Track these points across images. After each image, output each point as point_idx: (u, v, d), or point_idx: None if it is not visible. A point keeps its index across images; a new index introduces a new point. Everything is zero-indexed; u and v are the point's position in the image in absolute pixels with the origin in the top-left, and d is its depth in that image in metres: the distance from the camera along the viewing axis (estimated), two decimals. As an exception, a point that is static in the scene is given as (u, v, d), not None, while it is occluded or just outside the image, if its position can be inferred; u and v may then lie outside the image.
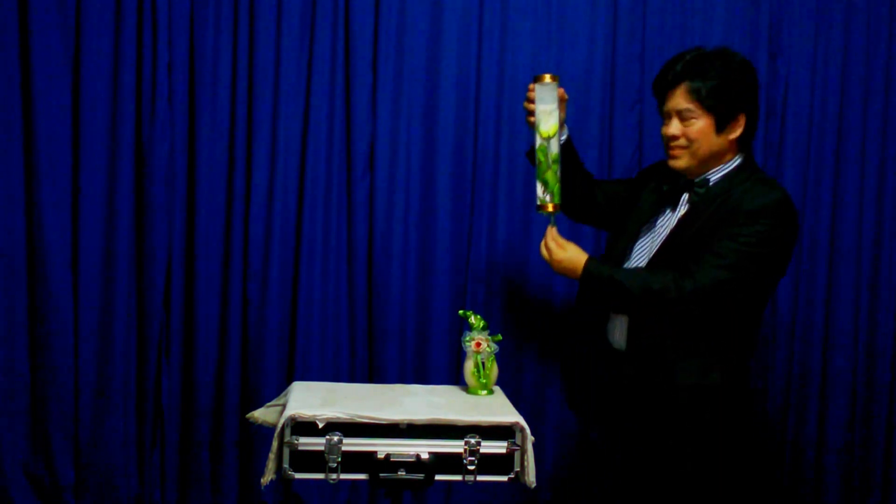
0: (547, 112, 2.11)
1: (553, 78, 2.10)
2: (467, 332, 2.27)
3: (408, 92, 2.81)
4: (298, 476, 1.93)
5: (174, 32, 2.70)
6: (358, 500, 2.87)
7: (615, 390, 2.15)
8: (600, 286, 2.07)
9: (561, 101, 2.14)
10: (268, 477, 1.93)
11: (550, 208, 2.12)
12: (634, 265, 2.13)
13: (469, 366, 2.25)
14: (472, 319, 2.27)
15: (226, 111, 2.75)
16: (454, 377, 2.79)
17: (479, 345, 2.24)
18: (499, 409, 2.09)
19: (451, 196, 2.85)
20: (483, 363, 2.24)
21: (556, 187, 2.11)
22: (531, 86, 2.14)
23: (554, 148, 2.12)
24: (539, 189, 2.13)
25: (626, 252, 2.16)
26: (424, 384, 2.46)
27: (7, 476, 2.68)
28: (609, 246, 2.31)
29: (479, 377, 2.24)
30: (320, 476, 1.93)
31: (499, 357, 2.27)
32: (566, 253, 2.10)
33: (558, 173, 2.12)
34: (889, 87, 2.94)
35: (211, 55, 2.73)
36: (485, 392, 2.24)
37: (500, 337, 2.27)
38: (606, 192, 2.36)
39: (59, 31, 2.64)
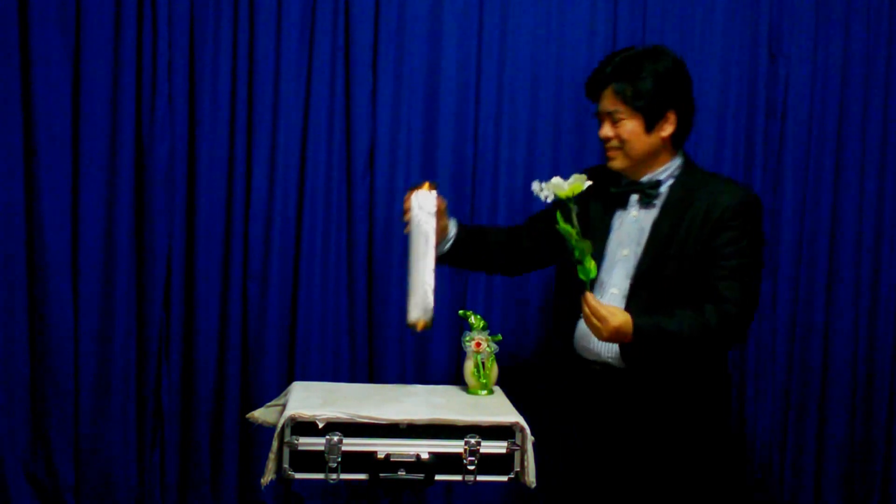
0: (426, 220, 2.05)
1: (432, 186, 2.07)
2: (467, 332, 2.27)
3: (408, 92, 2.81)
4: (298, 476, 1.93)
5: (174, 32, 2.70)
6: (358, 500, 2.87)
7: (603, 400, 2.12)
8: (653, 342, 1.97)
9: (438, 210, 2.10)
10: (268, 477, 1.93)
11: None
12: (609, 279, 2.09)
13: (469, 366, 2.25)
14: (472, 319, 2.27)
15: (226, 111, 2.75)
16: (454, 377, 2.79)
17: (479, 345, 2.24)
18: (499, 409, 2.09)
19: (451, 196, 2.84)
20: (483, 363, 2.24)
21: (588, 263, 1.94)
22: (409, 195, 2.09)
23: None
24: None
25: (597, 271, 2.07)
26: (424, 384, 2.46)
27: (7, 476, 2.68)
28: (565, 270, 2.20)
29: (479, 377, 2.24)
30: (320, 476, 1.92)
31: (499, 357, 2.27)
32: (617, 318, 1.93)
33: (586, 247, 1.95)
34: (889, 87, 2.94)
35: (211, 55, 2.73)
36: (485, 392, 2.24)
37: (499, 337, 2.26)
38: (532, 235, 2.30)
39: (59, 31, 2.64)
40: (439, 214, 2.12)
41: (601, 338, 1.96)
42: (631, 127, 2.06)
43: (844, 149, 2.94)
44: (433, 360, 2.85)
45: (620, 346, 2.04)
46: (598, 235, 2.09)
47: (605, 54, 2.81)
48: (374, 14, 2.78)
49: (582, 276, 1.93)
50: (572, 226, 1.90)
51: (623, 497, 2.11)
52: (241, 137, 2.76)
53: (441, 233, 2.17)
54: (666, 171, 2.11)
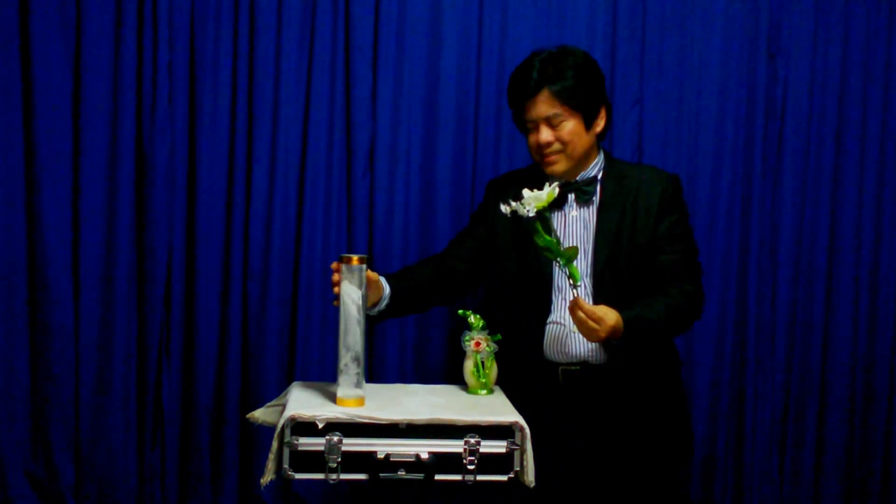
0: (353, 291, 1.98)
1: (361, 260, 2.00)
2: (467, 332, 2.27)
3: (408, 92, 2.81)
4: (298, 476, 1.93)
5: (174, 32, 2.70)
6: (358, 501, 2.87)
7: (581, 400, 2.15)
8: (639, 332, 2.01)
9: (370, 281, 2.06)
10: (268, 477, 1.93)
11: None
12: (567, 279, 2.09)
13: (469, 365, 2.25)
14: (472, 319, 2.27)
15: (226, 111, 2.75)
16: (454, 377, 2.78)
17: (478, 344, 2.24)
18: (498, 408, 2.09)
19: (451, 196, 2.85)
20: (483, 363, 2.24)
21: (573, 270, 1.96)
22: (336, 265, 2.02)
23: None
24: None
25: (544, 267, 2.11)
26: (424, 384, 2.46)
27: (7, 476, 2.68)
28: (510, 278, 2.21)
29: (479, 377, 2.24)
30: (320, 476, 1.92)
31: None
32: (611, 317, 1.94)
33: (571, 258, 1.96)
34: (889, 87, 2.94)
35: (211, 55, 2.73)
36: (484, 392, 2.24)
37: (499, 337, 2.26)
38: (465, 257, 2.29)
39: (59, 31, 2.64)
40: (371, 286, 2.06)
41: (596, 339, 1.97)
42: (571, 127, 2.09)
43: (844, 148, 2.94)
44: (433, 360, 2.85)
45: (603, 344, 2.07)
46: (523, 240, 2.10)
47: (604, 54, 2.85)
48: (374, 14, 2.78)
49: (571, 282, 1.95)
50: (552, 235, 1.93)
51: (608, 491, 2.15)
52: (241, 137, 2.76)
53: (374, 298, 2.13)
54: (596, 167, 2.17)
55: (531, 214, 1.93)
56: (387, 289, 2.17)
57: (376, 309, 2.15)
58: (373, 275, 2.08)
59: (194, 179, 2.75)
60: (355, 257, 2.02)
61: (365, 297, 2.04)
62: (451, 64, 2.82)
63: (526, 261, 2.17)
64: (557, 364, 2.16)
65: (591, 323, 1.94)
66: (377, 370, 2.82)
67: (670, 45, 2.86)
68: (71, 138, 2.68)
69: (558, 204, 2.15)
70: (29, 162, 2.66)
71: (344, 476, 1.93)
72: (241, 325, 2.79)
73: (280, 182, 2.77)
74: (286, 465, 1.92)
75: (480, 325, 2.26)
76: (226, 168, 2.76)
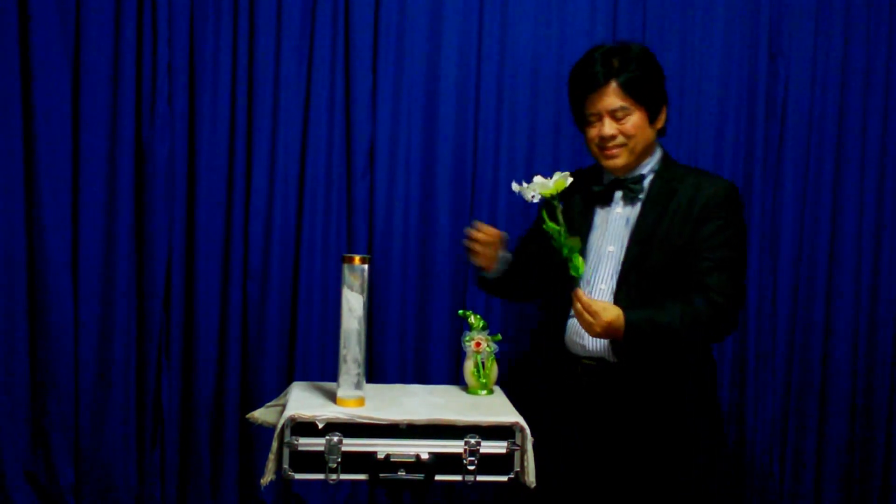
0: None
1: (363, 260, 2.02)
2: (467, 332, 2.27)
3: (408, 92, 2.81)
4: (298, 476, 1.93)
5: (174, 32, 2.70)
6: (358, 501, 2.87)
7: (597, 395, 2.12)
8: (646, 336, 1.97)
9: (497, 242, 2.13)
10: (268, 477, 1.93)
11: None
12: (596, 276, 2.10)
13: (469, 366, 2.25)
14: (472, 319, 2.27)
15: (226, 111, 2.75)
16: (454, 377, 2.79)
17: (479, 345, 2.24)
18: (499, 409, 2.09)
19: (451, 196, 2.85)
20: (483, 363, 2.24)
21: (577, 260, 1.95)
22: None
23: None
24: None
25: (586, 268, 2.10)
26: (424, 384, 2.46)
27: (7, 476, 2.68)
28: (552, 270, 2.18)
29: (479, 377, 2.24)
30: (320, 476, 1.92)
31: (499, 357, 2.27)
32: (609, 313, 1.93)
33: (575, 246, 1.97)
34: (889, 86, 2.94)
35: (211, 55, 2.73)
36: (485, 392, 2.24)
37: (499, 337, 2.27)
38: (525, 260, 2.30)
39: (59, 31, 2.64)
40: (496, 246, 2.16)
41: (594, 334, 1.97)
42: (636, 120, 2.06)
43: (844, 149, 2.94)
44: (433, 360, 2.85)
45: (612, 341, 2.04)
46: (580, 233, 2.07)
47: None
48: (374, 14, 2.78)
49: (573, 273, 1.94)
50: (558, 223, 1.92)
51: (623, 493, 2.11)
52: (241, 137, 2.76)
53: (494, 260, 2.21)
54: (648, 166, 2.13)
55: (535, 200, 1.93)
56: (508, 255, 2.23)
57: (493, 273, 2.20)
58: (502, 234, 2.19)
59: (194, 179, 2.75)
60: (357, 257, 2.02)
61: (366, 298, 2.03)
62: (451, 64, 2.82)
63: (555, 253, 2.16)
64: (579, 357, 2.13)
65: (586, 316, 1.93)
66: (377, 370, 2.82)
67: (670, 46, 2.86)
68: (71, 138, 2.68)
69: (606, 200, 2.14)
70: (29, 162, 2.66)
71: (344, 476, 1.93)
72: (241, 325, 2.79)
73: (280, 182, 2.77)
74: (286, 465, 1.92)
75: (480, 325, 2.26)
76: (225, 168, 2.76)
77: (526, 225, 2.85)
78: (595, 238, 2.13)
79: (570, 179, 1.94)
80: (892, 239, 2.96)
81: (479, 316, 2.28)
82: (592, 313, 1.92)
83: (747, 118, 2.91)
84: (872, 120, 2.94)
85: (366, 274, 2.03)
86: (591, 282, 2.11)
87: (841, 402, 2.96)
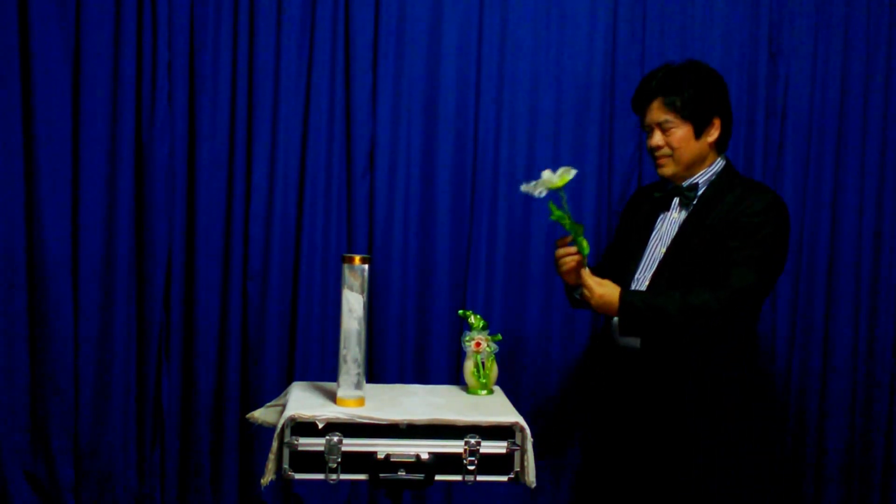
0: None
1: (363, 260, 2.03)
2: (467, 332, 2.27)
3: (408, 92, 2.81)
4: (298, 476, 1.93)
5: (174, 32, 2.70)
6: (358, 501, 2.87)
7: (631, 390, 2.22)
8: (639, 314, 2.10)
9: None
10: (268, 477, 1.93)
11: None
12: (643, 275, 2.21)
13: (469, 366, 2.25)
14: (472, 319, 2.27)
15: (226, 111, 2.75)
16: (454, 377, 2.79)
17: (479, 345, 2.24)
18: (499, 409, 2.09)
19: (451, 196, 2.85)
20: (483, 363, 2.24)
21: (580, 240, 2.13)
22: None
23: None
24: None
25: (635, 264, 2.25)
26: (424, 384, 2.46)
27: (7, 476, 2.68)
28: (615, 265, 2.35)
29: (479, 377, 2.24)
30: (320, 476, 1.92)
31: (498, 357, 2.28)
32: (604, 288, 2.14)
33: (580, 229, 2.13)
34: (889, 86, 2.94)
35: (211, 55, 2.73)
36: (485, 392, 2.24)
37: (499, 337, 2.27)
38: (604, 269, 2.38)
39: (59, 31, 2.64)
40: (577, 261, 2.18)
41: (591, 307, 2.16)
42: (681, 134, 2.19)
43: (844, 148, 2.94)
44: (433, 360, 2.85)
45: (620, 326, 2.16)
46: (641, 235, 2.27)
47: (604, 54, 2.86)
48: (374, 14, 2.78)
49: (580, 252, 2.14)
50: (564, 212, 2.08)
51: (663, 481, 2.16)
52: (241, 137, 2.76)
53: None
54: (705, 175, 2.24)
55: (541, 196, 2.08)
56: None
57: (577, 292, 2.27)
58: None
59: (194, 179, 2.75)
60: (357, 257, 2.02)
61: (366, 298, 2.03)
62: (451, 64, 2.82)
63: (627, 246, 2.32)
64: (621, 346, 2.23)
65: (583, 289, 2.16)
66: (377, 370, 2.82)
67: (670, 49, 2.86)
68: (70, 138, 2.68)
69: (665, 205, 2.26)
70: (29, 162, 2.66)
71: (344, 476, 1.93)
72: (241, 324, 2.78)
73: (280, 182, 2.77)
74: (286, 465, 1.92)
75: (480, 325, 2.26)
76: (225, 168, 2.76)
77: (526, 224, 2.87)
78: (653, 239, 2.26)
79: (574, 171, 2.07)
80: (893, 239, 2.96)
81: (479, 316, 2.28)
82: (587, 287, 2.14)
83: (747, 118, 2.91)
84: (872, 119, 2.94)
85: (366, 274, 2.03)
86: (639, 280, 2.22)
87: (841, 402, 2.96)
